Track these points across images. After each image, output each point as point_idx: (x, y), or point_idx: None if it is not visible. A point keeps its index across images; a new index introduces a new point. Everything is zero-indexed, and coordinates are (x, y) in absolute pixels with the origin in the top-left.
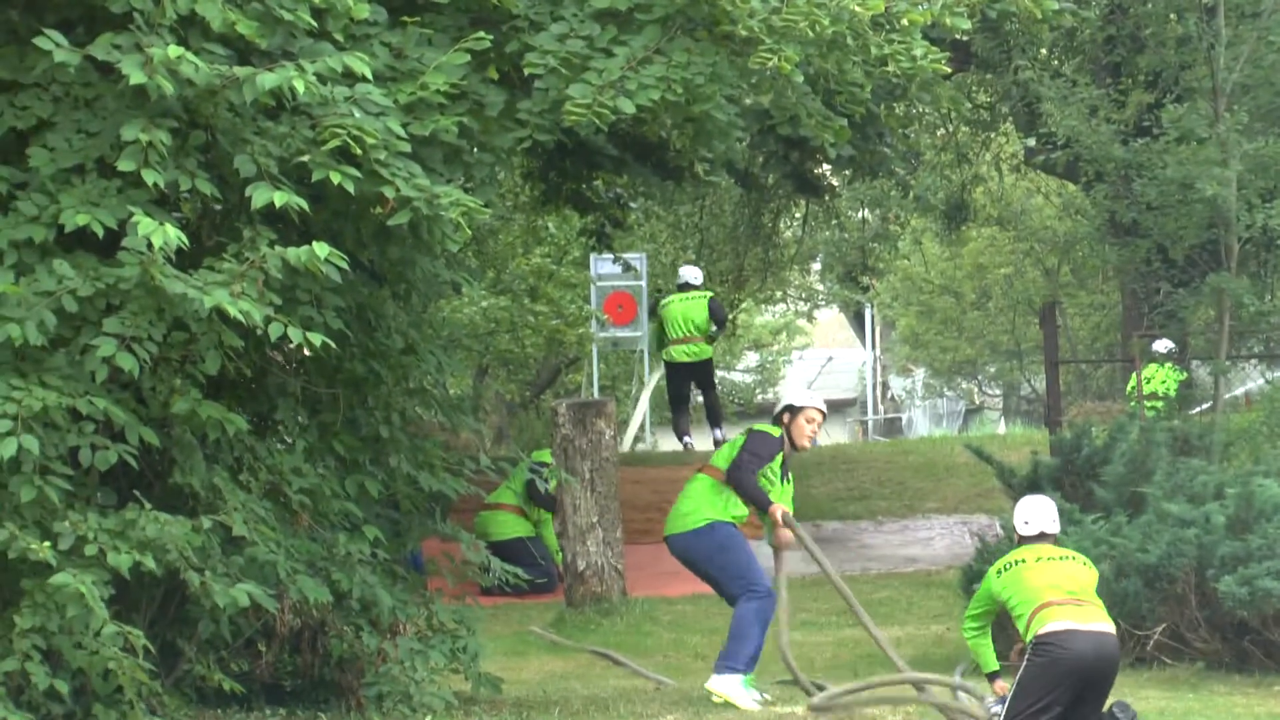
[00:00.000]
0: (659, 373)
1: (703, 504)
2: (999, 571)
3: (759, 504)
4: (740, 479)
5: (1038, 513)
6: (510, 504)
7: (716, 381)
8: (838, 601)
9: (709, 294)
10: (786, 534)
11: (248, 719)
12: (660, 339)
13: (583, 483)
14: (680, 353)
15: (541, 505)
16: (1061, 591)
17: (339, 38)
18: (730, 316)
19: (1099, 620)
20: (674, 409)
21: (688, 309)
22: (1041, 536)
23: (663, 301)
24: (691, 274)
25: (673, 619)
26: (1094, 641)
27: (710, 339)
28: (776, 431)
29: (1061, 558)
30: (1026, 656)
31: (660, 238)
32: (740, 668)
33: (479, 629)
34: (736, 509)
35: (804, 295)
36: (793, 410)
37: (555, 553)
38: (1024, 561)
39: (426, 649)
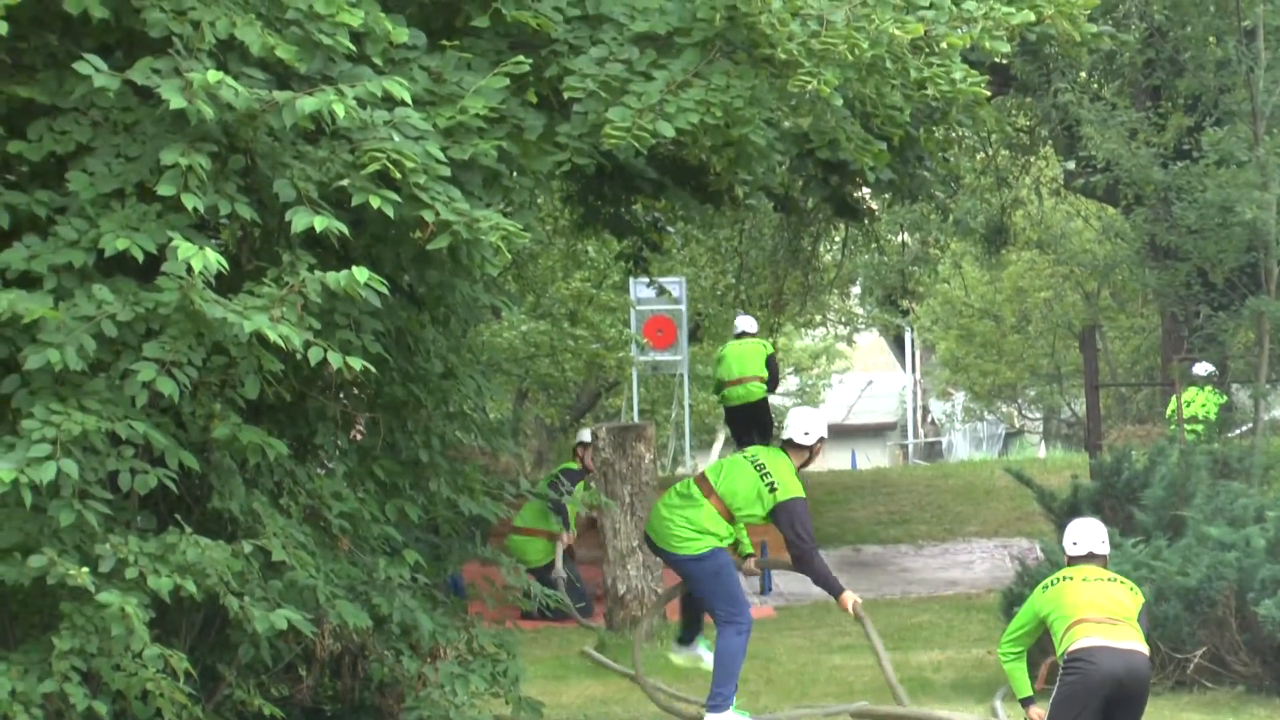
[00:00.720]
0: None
1: (708, 531)
2: (1044, 587)
3: (831, 590)
4: (813, 565)
5: (1087, 534)
6: (542, 529)
7: (774, 425)
8: (877, 625)
9: (764, 343)
10: (750, 564)
11: None
12: (719, 386)
13: (623, 507)
14: (734, 395)
15: (557, 513)
16: (1099, 611)
17: (378, 62)
18: (771, 340)
19: (1131, 639)
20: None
21: (743, 354)
22: (1090, 557)
23: (718, 352)
24: (747, 323)
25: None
26: (1124, 659)
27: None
28: (800, 488)
29: (1109, 579)
30: (1059, 676)
31: (700, 261)
32: (731, 698)
33: (519, 653)
34: (730, 535)
35: (844, 319)
36: (822, 440)
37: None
38: (1070, 579)
39: (467, 673)
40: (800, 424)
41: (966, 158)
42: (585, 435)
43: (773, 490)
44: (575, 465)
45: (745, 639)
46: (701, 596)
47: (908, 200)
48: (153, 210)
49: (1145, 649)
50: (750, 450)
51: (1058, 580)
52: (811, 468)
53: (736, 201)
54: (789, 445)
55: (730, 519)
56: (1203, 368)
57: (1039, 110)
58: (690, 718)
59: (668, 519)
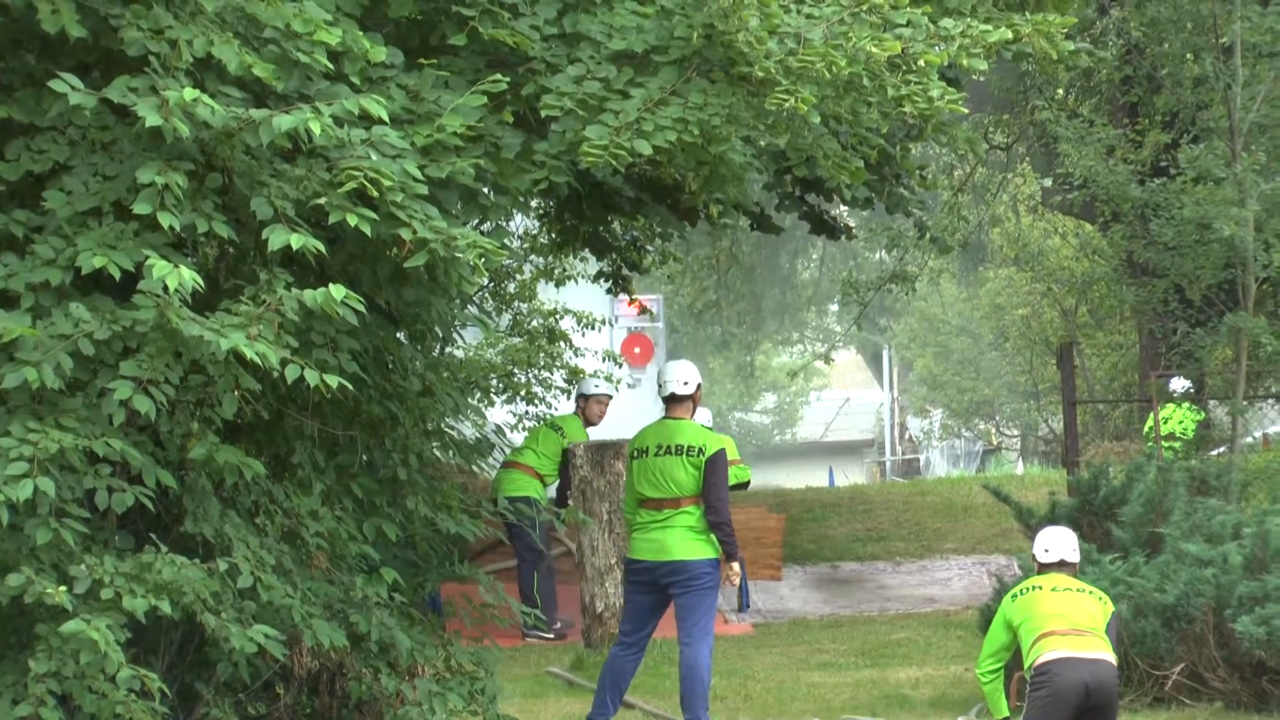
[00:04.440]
0: None
1: (706, 539)
2: (1014, 596)
3: (732, 552)
4: (729, 525)
5: (1058, 541)
6: (528, 465)
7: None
8: (854, 642)
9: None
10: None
11: None
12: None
13: (600, 524)
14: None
15: (564, 474)
16: (1066, 622)
17: (355, 80)
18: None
19: (1098, 649)
20: None
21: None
22: (1061, 565)
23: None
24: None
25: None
26: (1090, 669)
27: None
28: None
29: (1078, 589)
30: (1029, 692)
31: (678, 279)
32: (706, 712)
33: (497, 670)
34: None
35: (821, 336)
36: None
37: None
38: (1040, 588)
39: (445, 691)
40: (679, 375)
41: (944, 175)
42: (589, 387)
43: (700, 453)
44: (576, 419)
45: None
46: (680, 609)
47: (887, 215)
48: (130, 229)
49: (1112, 659)
50: (655, 443)
51: (1027, 590)
52: (789, 484)
53: (712, 220)
54: (674, 400)
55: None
56: (1179, 383)
57: (1016, 127)
58: None
59: (662, 531)
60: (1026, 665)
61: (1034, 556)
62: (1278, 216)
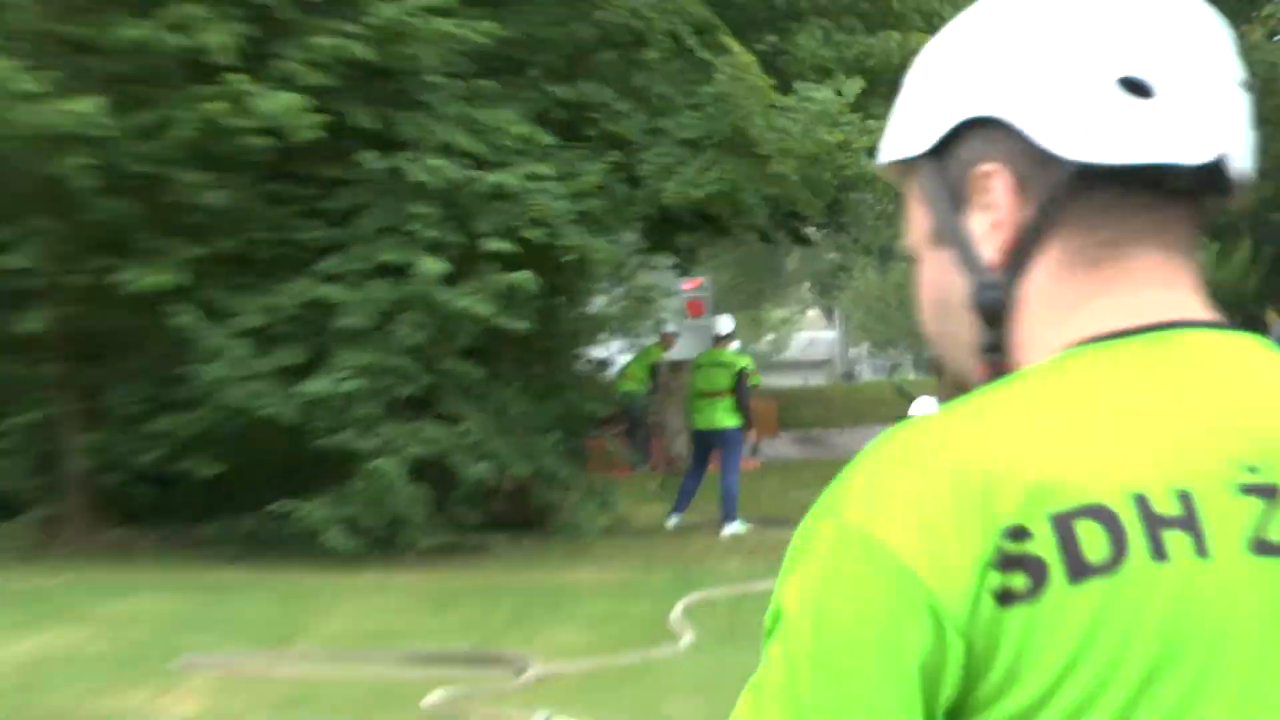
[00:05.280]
0: None
1: (736, 415)
2: None
3: (749, 422)
4: (748, 408)
5: (924, 406)
6: (630, 373)
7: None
8: (821, 473)
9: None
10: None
11: (483, 540)
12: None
13: (678, 405)
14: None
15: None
16: None
17: (531, 154)
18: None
19: None
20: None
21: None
22: None
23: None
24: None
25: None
26: None
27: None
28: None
29: None
30: None
31: (720, 268)
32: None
33: (616, 490)
34: None
35: (799, 301)
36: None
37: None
38: None
39: (587, 501)
40: (723, 323)
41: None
42: (667, 328)
43: (733, 367)
44: (659, 348)
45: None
46: (727, 454)
47: (837, 232)
48: (406, 239)
49: None
50: (708, 360)
51: None
52: (782, 384)
53: (734, 235)
54: (719, 338)
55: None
56: None
57: None
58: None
59: (710, 411)
60: None
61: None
62: None
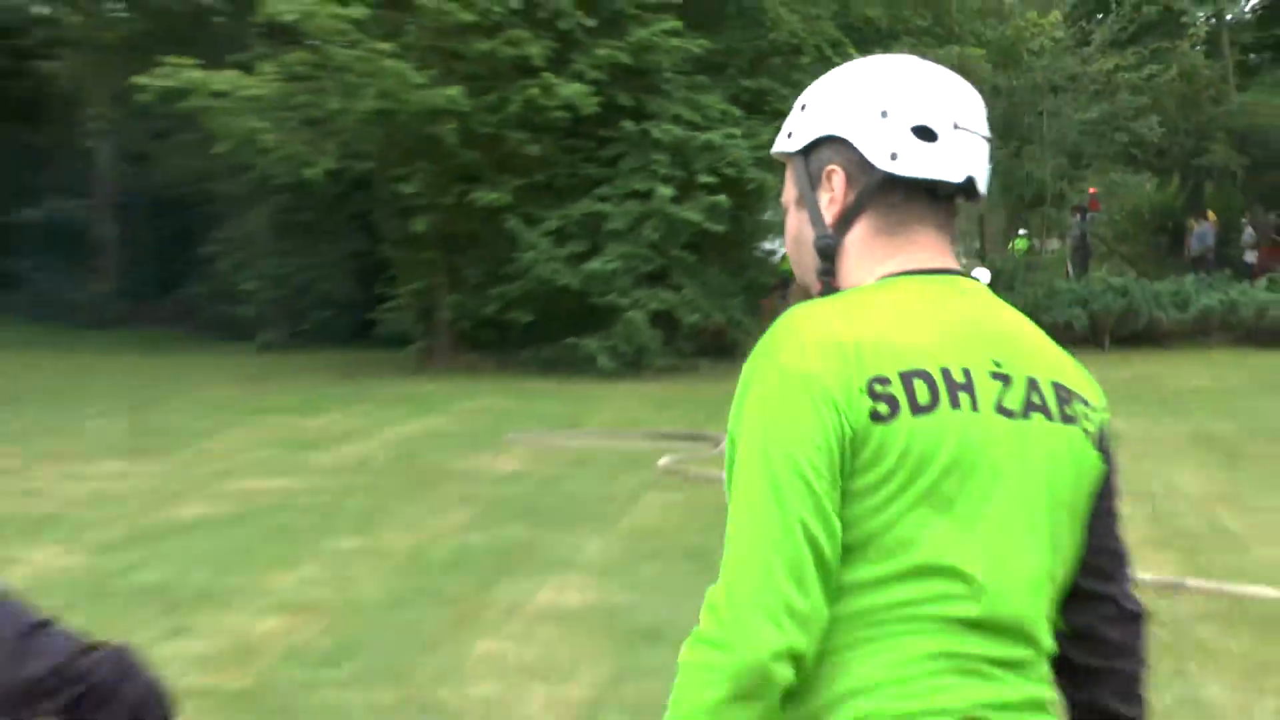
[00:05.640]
0: None
1: None
2: None
3: None
4: None
5: (982, 276)
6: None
7: None
8: None
9: None
10: None
11: (695, 363)
12: None
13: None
14: None
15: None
16: None
17: (728, 121)
18: None
19: None
20: None
21: None
22: None
23: None
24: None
25: None
26: None
27: None
28: None
29: None
30: None
31: None
32: None
33: None
34: None
35: None
36: None
37: None
38: None
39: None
40: None
41: None
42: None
43: None
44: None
45: None
46: None
47: None
48: (649, 174)
49: None
50: None
51: None
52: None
53: None
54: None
55: None
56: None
57: None
58: None
59: None
60: None
61: None
62: None
